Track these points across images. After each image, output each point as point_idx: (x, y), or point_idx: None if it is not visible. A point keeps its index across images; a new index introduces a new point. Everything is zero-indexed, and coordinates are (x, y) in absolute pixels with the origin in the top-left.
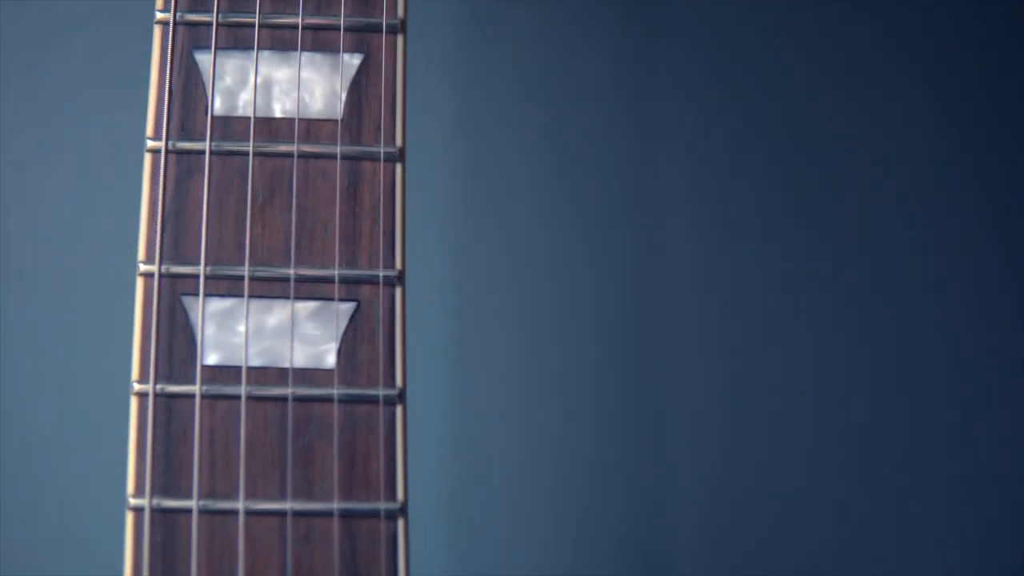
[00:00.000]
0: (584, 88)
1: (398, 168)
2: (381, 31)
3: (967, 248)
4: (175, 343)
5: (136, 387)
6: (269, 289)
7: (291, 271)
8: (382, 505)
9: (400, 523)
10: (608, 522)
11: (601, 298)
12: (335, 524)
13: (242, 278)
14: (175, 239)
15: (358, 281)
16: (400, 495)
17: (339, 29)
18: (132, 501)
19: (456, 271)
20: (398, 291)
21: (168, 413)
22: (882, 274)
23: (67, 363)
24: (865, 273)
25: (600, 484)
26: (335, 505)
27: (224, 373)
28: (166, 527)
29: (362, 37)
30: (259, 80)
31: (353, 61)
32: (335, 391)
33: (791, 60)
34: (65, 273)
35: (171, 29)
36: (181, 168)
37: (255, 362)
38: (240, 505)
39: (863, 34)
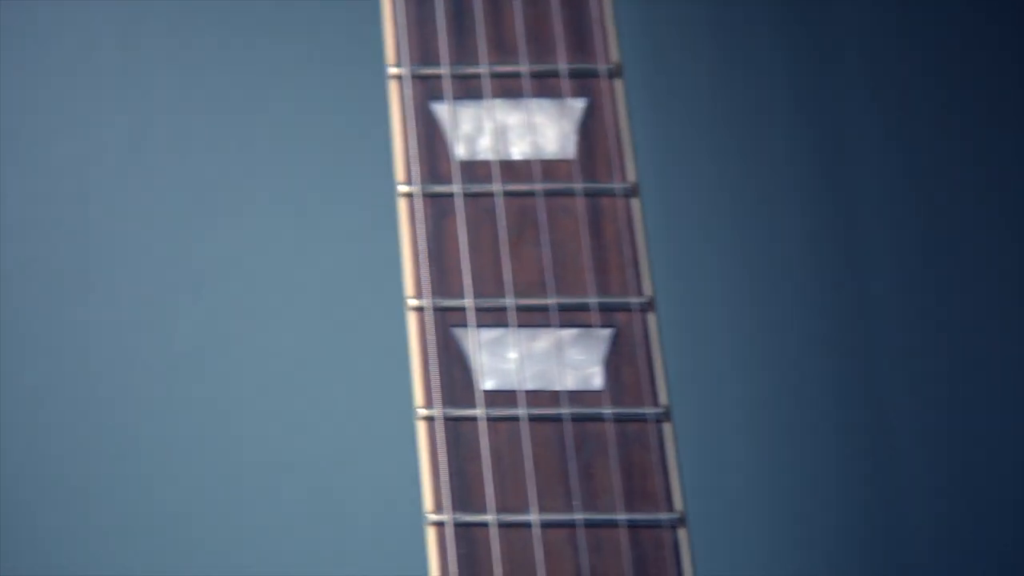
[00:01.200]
0: None
1: (634, 202)
2: (597, 76)
3: None
4: (453, 371)
5: (422, 412)
6: (531, 319)
7: (550, 301)
8: (663, 516)
9: (681, 532)
10: None
11: None
12: (622, 534)
13: (506, 309)
14: (439, 275)
15: (612, 308)
16: (677, 506)
17: (559, 75)
18: (432, 517)
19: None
20: (651, 316)
21: (456, 435)
22: None
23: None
24: None
25: None
26: (620, 516)
27: (501, 397)
28: (467, 540)
29: (583, 83)
30: (494, 126)
31: (577, 104)
32: (607, 410)
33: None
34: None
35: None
36: (435, 210)
37: (528, 386)
38: (534, 517)
39: None
